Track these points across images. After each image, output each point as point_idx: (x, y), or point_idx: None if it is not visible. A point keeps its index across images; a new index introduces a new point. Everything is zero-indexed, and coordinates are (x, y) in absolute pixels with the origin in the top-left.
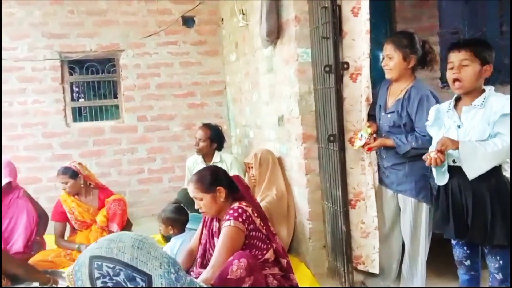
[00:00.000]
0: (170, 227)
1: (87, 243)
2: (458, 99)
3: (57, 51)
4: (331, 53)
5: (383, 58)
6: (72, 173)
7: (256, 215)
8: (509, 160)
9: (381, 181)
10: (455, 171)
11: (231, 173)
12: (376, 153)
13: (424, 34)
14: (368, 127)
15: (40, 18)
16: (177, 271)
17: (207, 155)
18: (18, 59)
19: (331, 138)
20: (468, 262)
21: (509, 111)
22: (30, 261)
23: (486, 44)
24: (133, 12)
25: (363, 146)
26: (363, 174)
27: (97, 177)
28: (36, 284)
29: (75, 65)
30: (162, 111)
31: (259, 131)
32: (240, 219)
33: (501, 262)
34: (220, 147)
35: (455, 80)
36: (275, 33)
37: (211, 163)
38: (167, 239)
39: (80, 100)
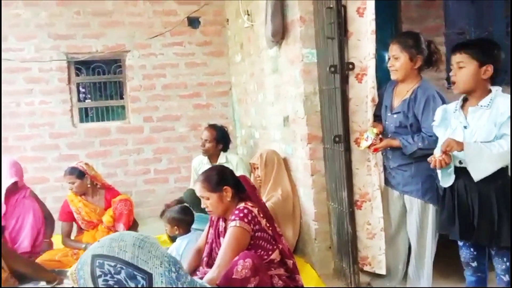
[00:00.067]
0: (175, 227)
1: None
2: (465, 100)
3: (63, 52)
4: (336, 53)
5: (389, 59)
6: (79, 173)
7: (262, 215)
8: None
9: (387, 182)
10: (462, 172)
11: (237, 174)
12: (382, 153)
13: (430, 34)
14: (374, 127)
15: (47, 19)
16: (177, 270)
17: (213, 156)
18: (25, 60)
19: (337, 139)
20: (475, 264)
21: None
22: (37, 261)
23: (489, 44)
24: (139, 13)
25: (369, 147)
26: (369, 175)
27: (104, 177)
28: (43, 283)
29: (81, 66)
30: (168, 112)
31: (264, 132)
32: (246, 220)
33: (507, 263)
34: (225, 148)
35: (453, 81)
36: (280, 34)
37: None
38: (173, 239)
39: (86, 100)
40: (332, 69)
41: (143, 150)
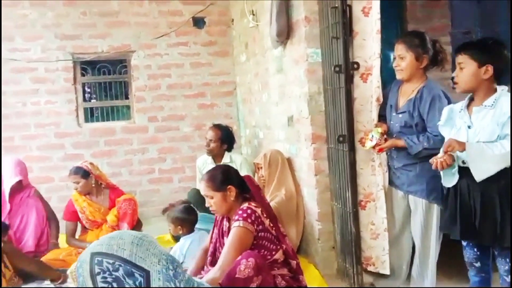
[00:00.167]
0: (179, 226)
1: None
2: (471, 99)
3: (69, 52)
4: (341, 53)
5: (394, 58)
6: (83, 173)
7: (265, 215)
8: None
9: (391, 182)
10: (465, 172)
11: (241, 174)
12: (387, 153)
13: (436, 34)
14: (379, 127)
15: (53, 19)
16: (175, 268)
17: (217, 155)
18: (31, 60)
19: (341, 139)
20: (478, 264)
21: None
22: (42, 260)
23: (491, 44)
24: (144, 13)
25: (374, 147)
26: (373, 175)
27: (108, 177)
28: (47, 282)
29: (87, 66)
30: (173, 112)
31: (268, 132)
32: (249, 220)
33: (510, 264)
34: (230, 148)
35: (455, 82)
36: (285, 34)
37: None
38: (176, 239)
39: (92, 100)
40: (337, 68)
41: (148, 150)
